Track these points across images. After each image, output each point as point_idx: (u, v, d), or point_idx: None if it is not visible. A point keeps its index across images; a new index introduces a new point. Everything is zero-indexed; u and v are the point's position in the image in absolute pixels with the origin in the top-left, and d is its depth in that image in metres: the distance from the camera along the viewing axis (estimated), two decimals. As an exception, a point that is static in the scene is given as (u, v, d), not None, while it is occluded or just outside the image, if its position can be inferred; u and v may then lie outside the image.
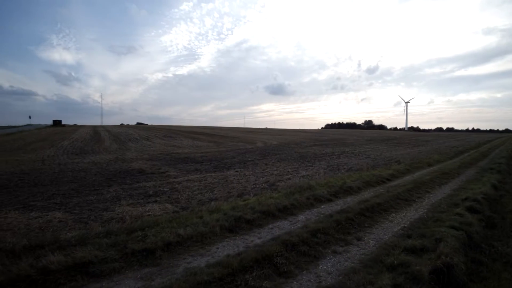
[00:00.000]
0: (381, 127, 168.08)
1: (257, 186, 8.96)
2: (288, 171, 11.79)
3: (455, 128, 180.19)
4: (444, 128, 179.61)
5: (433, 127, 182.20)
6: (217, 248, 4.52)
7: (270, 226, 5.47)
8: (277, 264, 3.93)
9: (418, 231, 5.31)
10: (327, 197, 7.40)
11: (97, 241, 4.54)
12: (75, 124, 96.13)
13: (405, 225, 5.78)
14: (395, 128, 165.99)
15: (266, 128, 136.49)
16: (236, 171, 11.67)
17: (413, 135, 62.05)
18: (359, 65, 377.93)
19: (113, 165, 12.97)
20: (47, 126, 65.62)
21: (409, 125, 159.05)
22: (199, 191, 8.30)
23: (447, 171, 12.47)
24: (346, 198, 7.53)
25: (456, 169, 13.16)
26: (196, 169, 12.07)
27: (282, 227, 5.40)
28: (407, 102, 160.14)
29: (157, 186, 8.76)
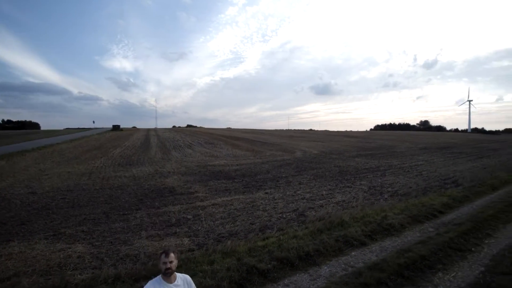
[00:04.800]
0: (439, 129, 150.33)
1: (284, 216, 8.31)
2: (323, 194, 10.87)
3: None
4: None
5: (501, 127, 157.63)
6: (220, 312, 4.04)
7: (286, 281, 4.81)
8: None
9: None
10: (361, 239, 6.44)
11: (102, 290, 4.41)
12: (134, 127, 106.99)
13: (455, 294, 4.62)
14: (456, 130, 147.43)
15: (311, 129, 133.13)
16: (266, 193, 11.13)
17: (476, 141, 54.41)
18: (414, 59, 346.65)
19: (149, 181, 13.41)
20: (107, 131, 72.54)
21: (472, 126, 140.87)
22: (222, 220, 7.96)
23: (517, 199, 10.29)
24: (384, 242, 6.47)
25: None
26: (225, 189, 11.83)
27: (299, 284, 4.71)
28: (470, 100, 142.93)
29: (181, 212, 8.66)
